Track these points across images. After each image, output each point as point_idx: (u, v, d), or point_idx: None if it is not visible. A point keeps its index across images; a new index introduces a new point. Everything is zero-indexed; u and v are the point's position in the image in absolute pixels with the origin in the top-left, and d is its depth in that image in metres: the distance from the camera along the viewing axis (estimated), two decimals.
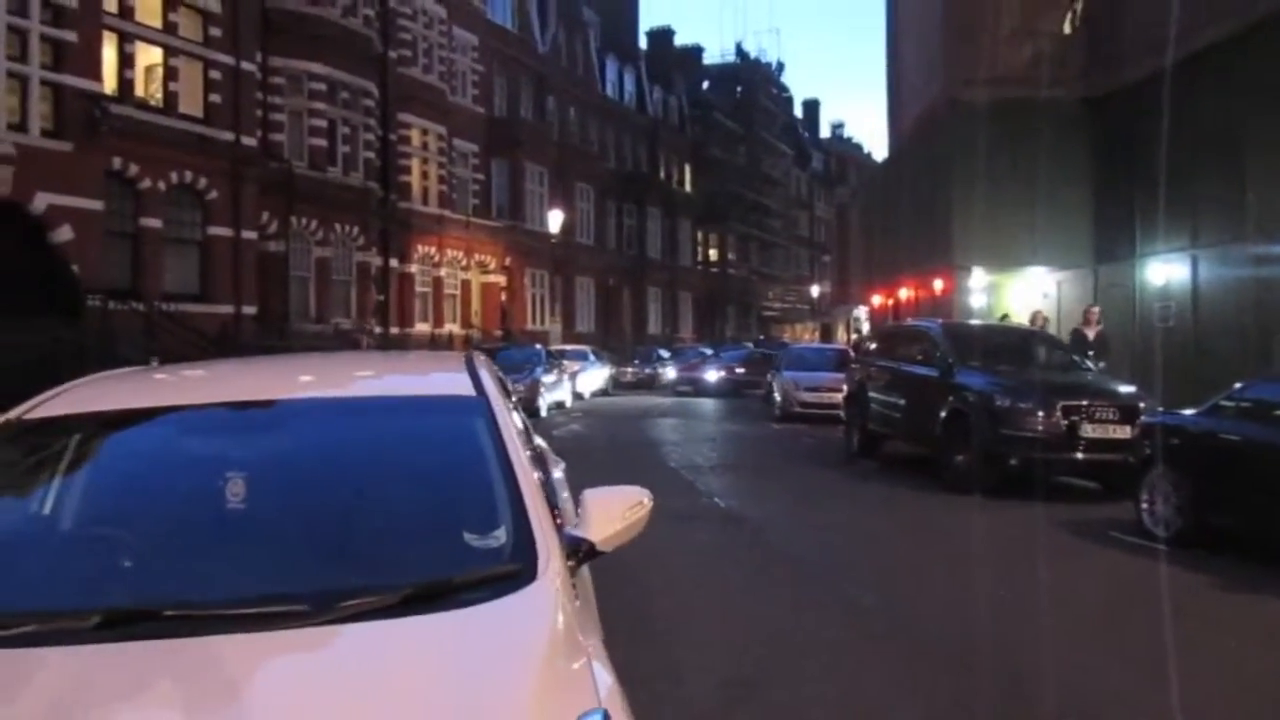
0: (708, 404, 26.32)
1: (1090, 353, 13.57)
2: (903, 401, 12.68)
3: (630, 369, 35.69)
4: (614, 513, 2.72)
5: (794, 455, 14.98)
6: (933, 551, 8.02)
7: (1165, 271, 17.08)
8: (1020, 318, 17.90)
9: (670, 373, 34.21)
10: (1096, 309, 14.79)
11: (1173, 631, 5.84)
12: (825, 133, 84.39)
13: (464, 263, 34.23)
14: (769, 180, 64.36)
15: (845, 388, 15.52)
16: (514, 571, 2.31)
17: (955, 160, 19.98)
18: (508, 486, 2.61)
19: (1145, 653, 5.39)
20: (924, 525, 9.14)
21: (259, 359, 4.46)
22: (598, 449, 15.56)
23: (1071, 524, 9.04)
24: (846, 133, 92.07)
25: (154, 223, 20.63)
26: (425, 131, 32.22)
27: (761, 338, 52.30)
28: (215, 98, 22.09)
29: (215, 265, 22.05)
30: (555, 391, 23.57)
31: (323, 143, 26.39)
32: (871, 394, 13.73)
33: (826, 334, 72.49)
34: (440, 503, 2.70)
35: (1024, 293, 20.76)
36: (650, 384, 34.22)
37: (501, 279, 36.47)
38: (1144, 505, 8.56)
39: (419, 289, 32.15)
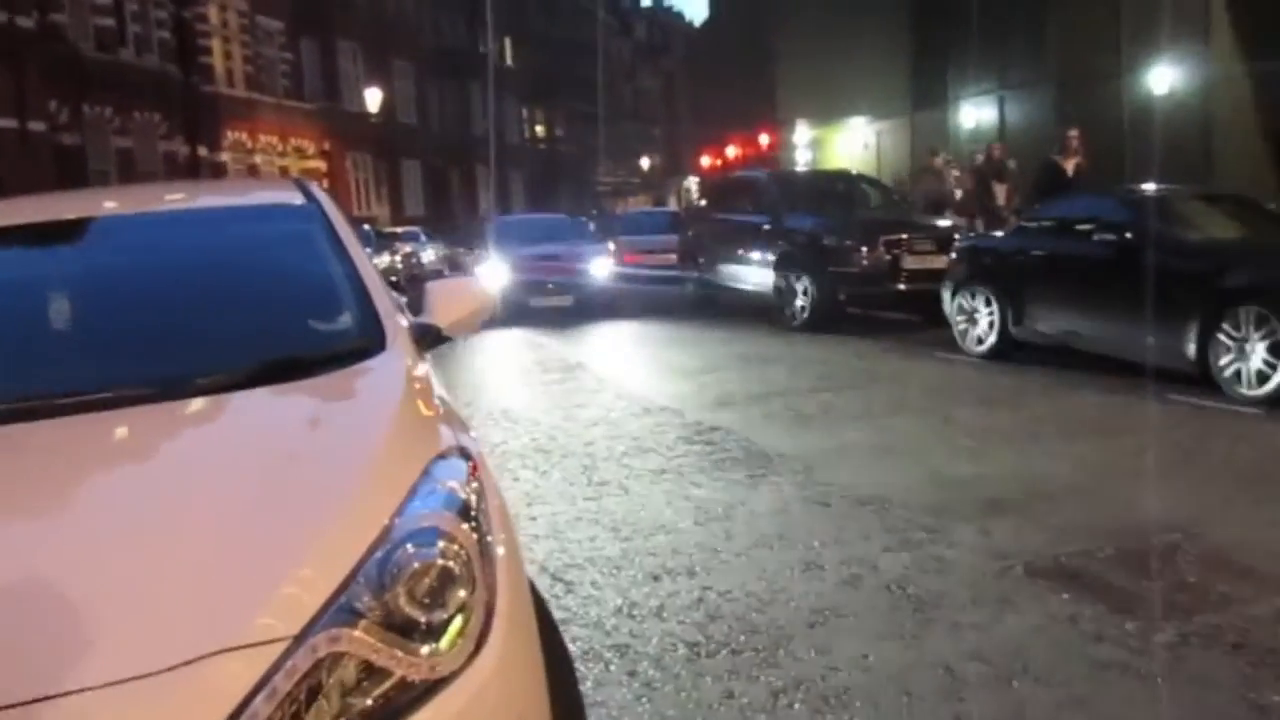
0: None
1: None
2: (737, 252, 12.96)
3: (462, 249, 35.07)
4: (458, 300, 2.76)
5: (634, 308, 15.07)
6: (768, 379, 8.33)
7: (976, 114, 17.85)
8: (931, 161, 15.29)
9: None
10: (1075, 133, 11.61)
11: (988, 418, 6.37)
12: (646, 1, 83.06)
13: (280, 148, 32.63)
14: (592, 52, 63.19)
15: (679, 246, 15.71)
16: (361, 347, 2.32)
17: (775, 15, 20.11)
18: (349, 278, 2.61)
19: (969, 435, 5.86)
20: (763, 358, 9.49)
21: (76, 192, 4.19)
22: None
23: (898, 349, 9.60)
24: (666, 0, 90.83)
25: None
26: (224, 8, 30.13)
27: (595, 212, 52.04)
28: None
29: (3, 162, 20.29)
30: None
31: (110, 22, 24.36)
32: (706, 247, 13.98)
33: (659, 205, 72.86)
34: (282, 296, 2.67)
35: (847, 144, 21.32)
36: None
37: (322, 164, 34.94)
38: (960, 325, 9.13)
39: (233, 178, 30.53)
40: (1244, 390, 6.39)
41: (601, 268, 13.83)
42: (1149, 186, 8.77)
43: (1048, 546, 3.96)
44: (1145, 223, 7.41)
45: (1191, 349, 6.70)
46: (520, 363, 10.40)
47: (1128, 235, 7.45)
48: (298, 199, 3.04)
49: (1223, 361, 6.52)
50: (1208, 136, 14.55)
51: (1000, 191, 13.17)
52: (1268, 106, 14.17)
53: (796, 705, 2.82)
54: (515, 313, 12.76)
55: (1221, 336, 6.52)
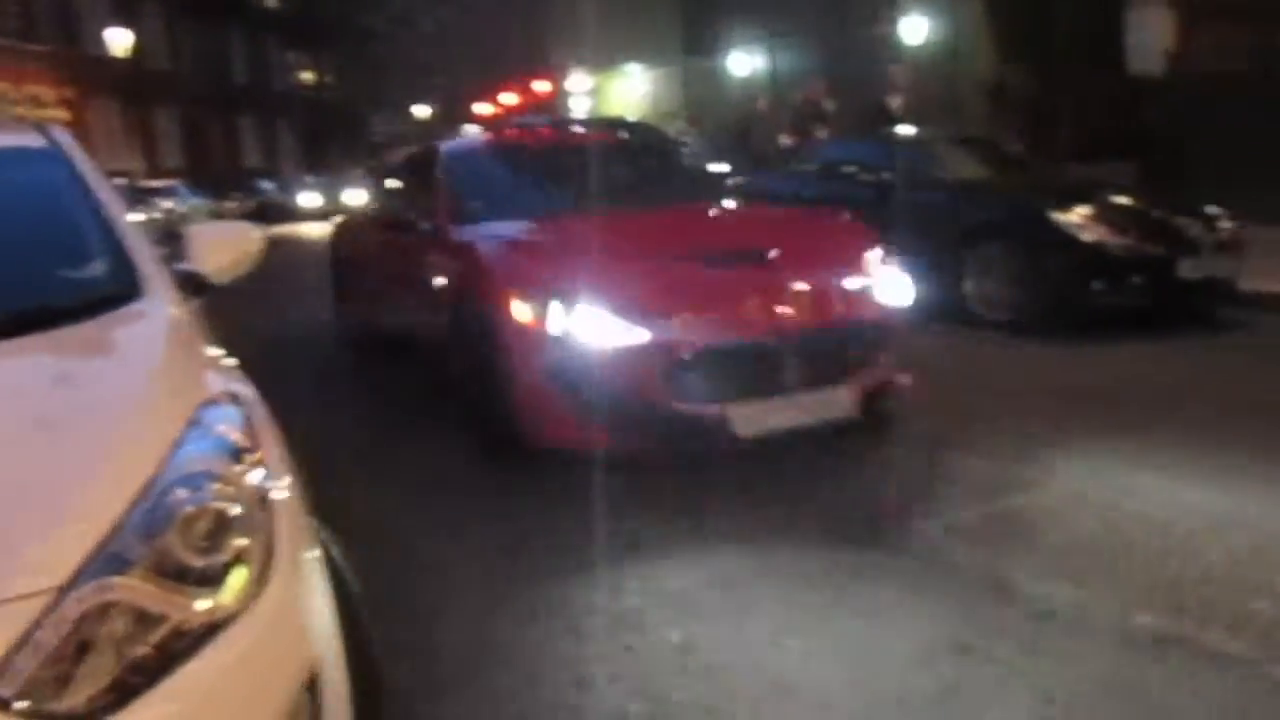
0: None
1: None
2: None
3: (233, 203, 33.26)
4: (222, 245, 2.65)
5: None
6: None
7: (748, 62, 18.33)
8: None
9: None
10: (898, 68, 11.62)
11: None
12: None
13: (13, 96, 29.73)
14: None
15: None
16: (115, 294, 2.20)
17: None
18: (98, 223, 2.45)
19: None
20: None
21: None
22: None
23: None
24: None
25: None
26: None
27: (373, 164, 50.31)
28: None
29: None
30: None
31: None
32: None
33: None
34: (23, 244, 2.47)
35: (625, 91, 21.50)
36: (261, 213, 31.77)
37: (64, 113, 32.07)
38: None
39: None
40: (990, 315, 6.96)
41: (900, 294, 4.66)
42: (906, 130, 9.31)
43: None
44: (902, 164, 7.90)
45: (946, 280, 7.22)
46: None
47: (885, 176, 7.92)
48: (38, 142, 2.83)
49: (970, 290, 7.07)
50: (955, 84, 15.56)
51: (822, 135, 11.80)
52: (1004, 56, 15.27)
53: None
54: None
55: (969, 268, 7.06)
